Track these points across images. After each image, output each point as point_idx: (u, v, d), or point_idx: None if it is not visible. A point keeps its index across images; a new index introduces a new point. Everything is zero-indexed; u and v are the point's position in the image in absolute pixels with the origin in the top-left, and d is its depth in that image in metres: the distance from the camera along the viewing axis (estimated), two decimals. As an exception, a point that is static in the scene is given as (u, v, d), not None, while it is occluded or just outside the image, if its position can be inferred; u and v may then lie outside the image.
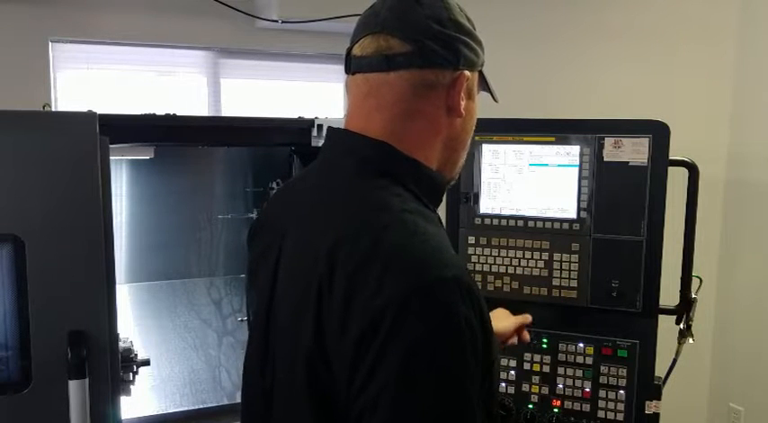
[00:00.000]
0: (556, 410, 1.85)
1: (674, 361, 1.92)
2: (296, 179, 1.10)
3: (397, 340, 0.76)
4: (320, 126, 1.81)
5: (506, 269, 1.90)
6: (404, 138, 0.93)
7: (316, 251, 0.86)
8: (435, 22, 0.91)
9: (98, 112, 1.45)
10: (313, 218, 0.92)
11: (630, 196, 1.78)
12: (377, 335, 0.77)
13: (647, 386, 1.80)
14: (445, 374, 0.78)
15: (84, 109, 1.50)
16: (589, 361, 1.84)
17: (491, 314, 0.93)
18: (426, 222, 0.87)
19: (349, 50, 0.96)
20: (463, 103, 0.95)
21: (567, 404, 1.85)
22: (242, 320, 2.23)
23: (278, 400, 0.94)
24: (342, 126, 0.99)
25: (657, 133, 1.76)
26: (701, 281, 1.90)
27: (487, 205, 1.93)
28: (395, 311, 0.77)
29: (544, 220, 1.87)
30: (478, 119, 1.03)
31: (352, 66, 0.95)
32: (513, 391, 1.88)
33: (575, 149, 1.83)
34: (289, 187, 1.11)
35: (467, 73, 0.94)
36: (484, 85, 1.03)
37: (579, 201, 1.83)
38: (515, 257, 1.90)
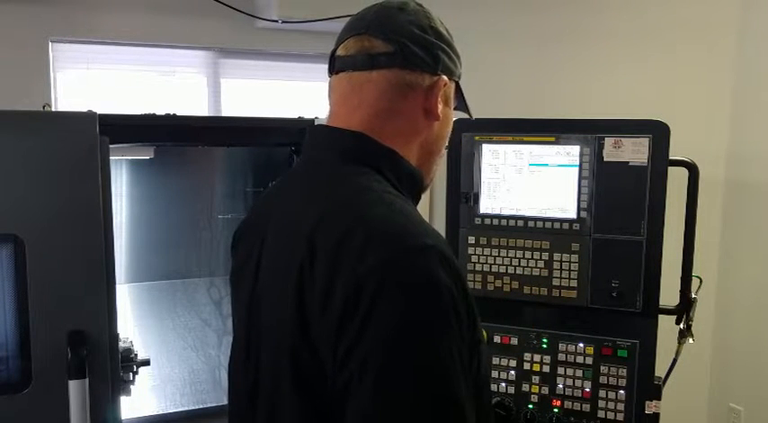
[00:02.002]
0: (556, 410, 1.85)
1: (674, 361, 1.92)
2: (278, 183, 1.10)
3: (380, 307, 0.77)
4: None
5: (506, 269, 1.90)
6: (383, 133, 0.95)
7: (297, 238, 0.87)
8: (417, 27, 0.96)
9: (98, 112, 1.46)
10: (295, 209, 0.94)
11: (630, 196, 1.78)
12: (359, 304, 0.77)
13: (647, 386, 1.80)
14: (429, 337, 0.78)
15: (84, 109, 1.50)
16: (589, 361, 1.84)
17: None
18: (405, 203, 0.90)
19: (333, 52, 1.00)
20: (440, 107, 0.98)
21: (567, 404, 1.85)
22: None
23: (262, 396, 0.94)
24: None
25: (657, 133, 1.76)
26: (700, 281, 1.90)
27: (487, 205, 1.93)
28: (377, 278, 0.78)
29: (544, 220, 1.87)
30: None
31: (336, 65, 0.99)
32: (513, 391, 1.88)
33: (575, 149, 1.83)
34: (271, 192, 1.11)
35: (445, 78, 0.98)
36: (461, 101, 1.07)
37: (579, 201, 1.83)
38: (515, 257, 1.90)
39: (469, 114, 1.10)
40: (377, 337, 0.77)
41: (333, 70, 1.00)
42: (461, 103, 1.07)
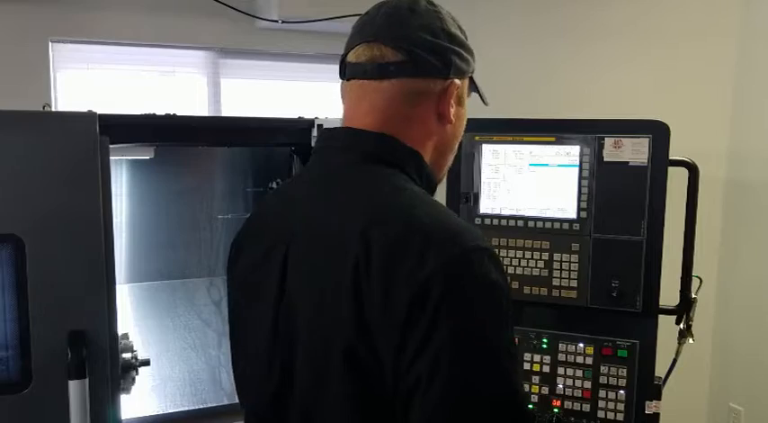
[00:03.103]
0: (556, 410, 1.85)
1: (674, 361, 1.92)
2: (288, 186, 1.10)
3: (447, 311, 0.79)
4: (320, 126, 1.80)
5: (506, 269, 1.90)
6: (400, 136, 0.96)
7: (342, 241, 0.86)
8: (429, 32, 0.95)
9: (98, 112, 1.45)
10: (328, 212, 0.92)
11: (630, 196, 1.78)
12: (425, 307, 0.78)
13: (647, 386, 1.80)
14: (494, 338, 0.81)
15: (84, 109, 1.49)
16: (589, 361, 1.84)
17: None
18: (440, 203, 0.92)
19: (344, 57, 0.99)
20: (453, 110, 0.99)
21: (567, 404, 1.85)
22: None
23: (296, 399, 0.92)
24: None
25: (657, 133, 1.76)
26: (700, 281, 1.90)
27: (487, 205, 1.92)
28: (440, 281, 0.79)
29: (544, 220, 1.87)
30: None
31: (347, 72, 0.98)
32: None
33: (575, 149, 1.83)
34: (282, 195, 1.09)
35: (457, 81, 0.98)
36: (474, 87, 1.07)
37: (579, 201, 1.83)
38: (515, 257, 1.90)
39: (484, 101, 1.09)
40: (445, 340, 0.78)
41: (344, 75, 0.99)
42: (475, 90, 1.07)
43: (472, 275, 0.81)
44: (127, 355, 1.64)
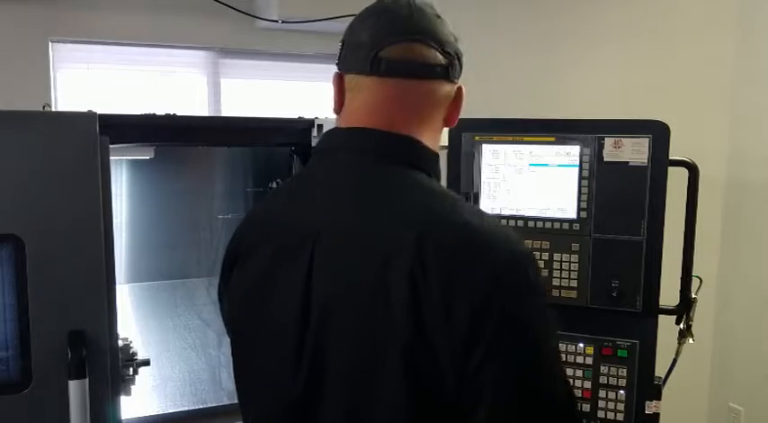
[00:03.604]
0: (556, 410, 1.85)
1: (674, 361, 1.92)
2: (295, 189, 1.06)
3: (507, 316, 0.82)
4: (320, 126, 1.80)
5: (506, 269, 1.90)
6: (422, 137, 0.98)
7: (386, 245, 0.86)
8: (454, 38, 0.99)
9: (98, 112, 1.45)
10: (366, 216, 0.91)
11: (630, 196, 1.78)
12: (487, 314, 0.81)
13: (647, 386, 1.80)
14: (549, 340, 0.86)
15: (84, 109, 1.49)
16: (589, 361, 1.84)
17: None
18: None
19: (377, 52, 0.95)
20: (456, 114, 1.03)
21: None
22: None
23: (342, 400, 0.90)
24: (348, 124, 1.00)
25: (657, 133, 1.76)
26: (700, 281, 1.90)
27: (487, 205, 1.92)
28: (499, 287, 0.82)
29: (544, 220, 1.87)
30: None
31: (383, 68, 0.94)
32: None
33: (575, 149, 1.83)
34: (290, 197, 1.05)
35: (460, 86, 1.01)
36: None
37: (579, 201, 1.83)
38: (515, 257, 1.89)
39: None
40: (508, 346, 0.81)
41: (377, 72, 0.95)
42: None
43: (528, 281, 0.85)
44: (127, 356, 1.64)
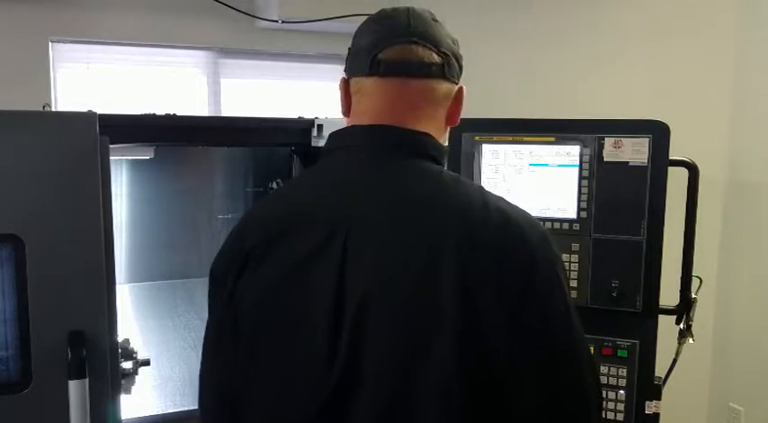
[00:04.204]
0: (556, 410, 1.85)
1: (674, 361, 1.92)
2: (311, 180, 1.07)
3: (548, 293, 0.90)
4: (320, 126, 1.80)
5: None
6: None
7: (430, 236, 0.90)
8: (451, 40, 1.04)
9: (98, 112, 1.45)
10: (398, 209, 0.94)
11: (630, 196, 1.78)
12: (531, 287, 0.89)
13: (647, 386, 1.80)
14: (572, 306, 0.94)
15: (84, 109, 1.49)
16: (589, 361, 1.84)
17: None
18: None
19: (376, 54, 1.00)
20: (458, 112, 1.07)
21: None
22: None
23: (386, 389, 0.89)
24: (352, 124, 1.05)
25: (657, 133, 1.76)
26: (700, 281, 1.90)
27: (487, 205, 1.92)
28: (539, 266, 0.90)
29: (544, 220, 1.87)
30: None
31: (382, 68, 1.00)
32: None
33: (575, 149, 1.83)
34: (307, 190, 1.04)
35: (463, 87, 1.06)
36: None
37: (579, 201, 1.83)
38: (515, 257, 1.89)
39: None
40: (550, 318, 0.91)
41: (377, 72, 1.00)
42: None
43: (555, 254, 0.94)
44: (127, 355, 1.64)
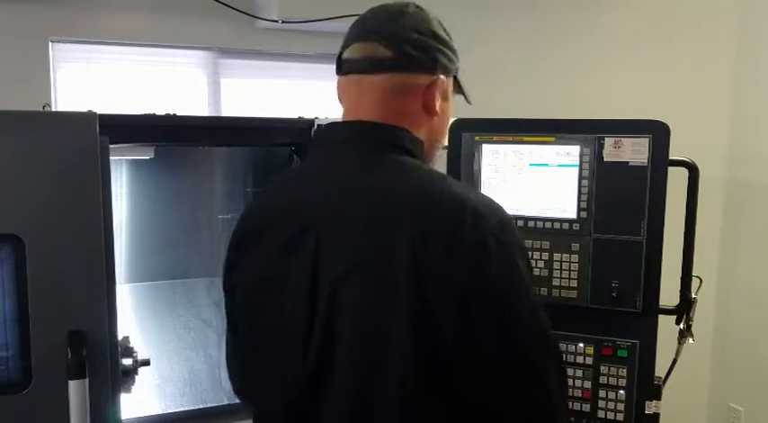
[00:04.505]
0: (556, 410, 1.85)
1: (674, 361, 1.92)
2: (289, 181, 1.15)
3: (503, 277, 0.93)
4: (320, 126, 1.80)
5: (506, 269, 1.90)
6: (402, 126, 1.06)
7: (387, 223, 0.94)
8: (416, 31, 1.04)
9: (98, 112, 1.46)
10: (363, 199, 0.99)
11: (630, 196, 1.78)
12: (485, 279, 0.91)
13: (647, 386, 1.80)
14: (529, 287, 0.97)
15: (84, 109, 1.50)
16: (589, 361, 1.84)
17: None
18: None
19: (340, 54, 1.09)
20: (438, 104, 1.07)
21: (567, 404, 1.85)
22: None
23: (352, 373, 0.97)
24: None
25: (657, 133, 1.76)
26: (700, 281, 1.90)
27: (487, 205, 1.92)
28: (491, 251, 0.92)
29: (544, 220, 1.87)
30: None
31: (344, 67, 1.08)
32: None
33: (575, 149, 1.83)
34: (285, 189, 1.13)
35: (442, 77, 1.07)
36: (458, 88, 1.16)
37: (579, 201, 1.83)
38: (515, 257, 1.89)
39: (468, 100, 1.19)
40: (505, 301, 0.93)
41: (340, 71, 1.09)
42: (460, 91, 1.16)
43: (515, 244, 0.95)
44: (127, 355, 1.64)
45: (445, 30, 1.10)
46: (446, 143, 1.17)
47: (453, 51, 1.10)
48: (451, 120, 1.19)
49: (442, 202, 0.95)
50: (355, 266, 0.96)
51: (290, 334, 1.01)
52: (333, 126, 1.12)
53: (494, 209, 0.97)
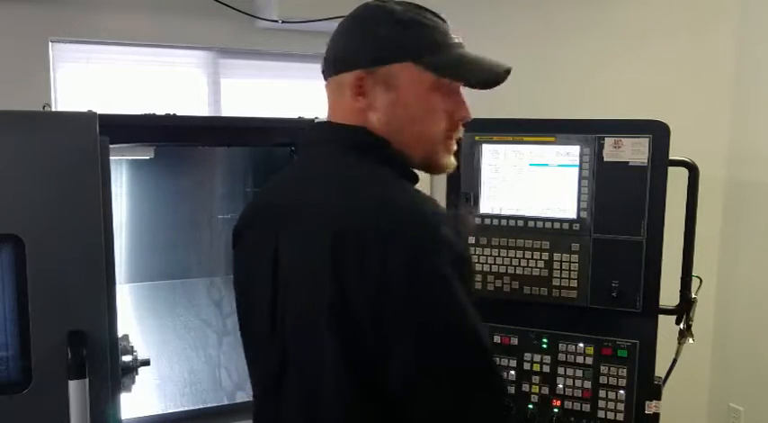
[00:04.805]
0: (556, 410, 1.85)
1: (674, 361, 1.92)
2: (278, 178, 1.19)
3: (420, 274, 0.90)
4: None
5: (506, 269, 1.90)
6: (366, 123, 1.06)
7: (321, 220, 0.97)
8: (349, 34, 1.06)
9: (98, 112, 1.45)
10: (310, 197, 1.02)
11: (630, 196, 1.78)
12: (400, 275, 0.90)
13: (647, 386, 1.80)
14: (454, 291, 0.93)
15: (84, 109, 1.50)
16: (589, 361, 1.84)
17: None
18: (400, 181, 1.02)
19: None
20: (381, 96, 1.03)
21: (567, 404, 1.85)
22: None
23: (292, 368, 1.02)
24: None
25: (657, 133, 1.76)
26: (700, 281, 1.90)
27: (487, 205, 1.92)
28: (412, 247, 0.91)
29: (544, 220, 1.87)
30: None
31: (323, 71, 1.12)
32: (513, 391, 1.88)
33: (575, 149, 1.83)
34: (273, 185, 1.18)
35: (360, 73, 1.03)
36: (453, 71, 1.10)
37: (579, 201, 1.83)
38: (515, 257, 1.90)
39: (466, 84, 1.16)
40: (421, 297, 0.91)
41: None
42: (454, 73, 1.10)
43: (439, 240, 0.92)
44: (127, 355, 1.64)
45: (419, 14, 1.04)
46: (437, 131, 1.11)
47: (421, 36, 1.04)
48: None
49: (366, 201, 0.96)
50: (296, 269, 1.00)
51: (261, 320, 1.07)
52: (310, 127, 1.17)
53: (418, 205, 0.96)
